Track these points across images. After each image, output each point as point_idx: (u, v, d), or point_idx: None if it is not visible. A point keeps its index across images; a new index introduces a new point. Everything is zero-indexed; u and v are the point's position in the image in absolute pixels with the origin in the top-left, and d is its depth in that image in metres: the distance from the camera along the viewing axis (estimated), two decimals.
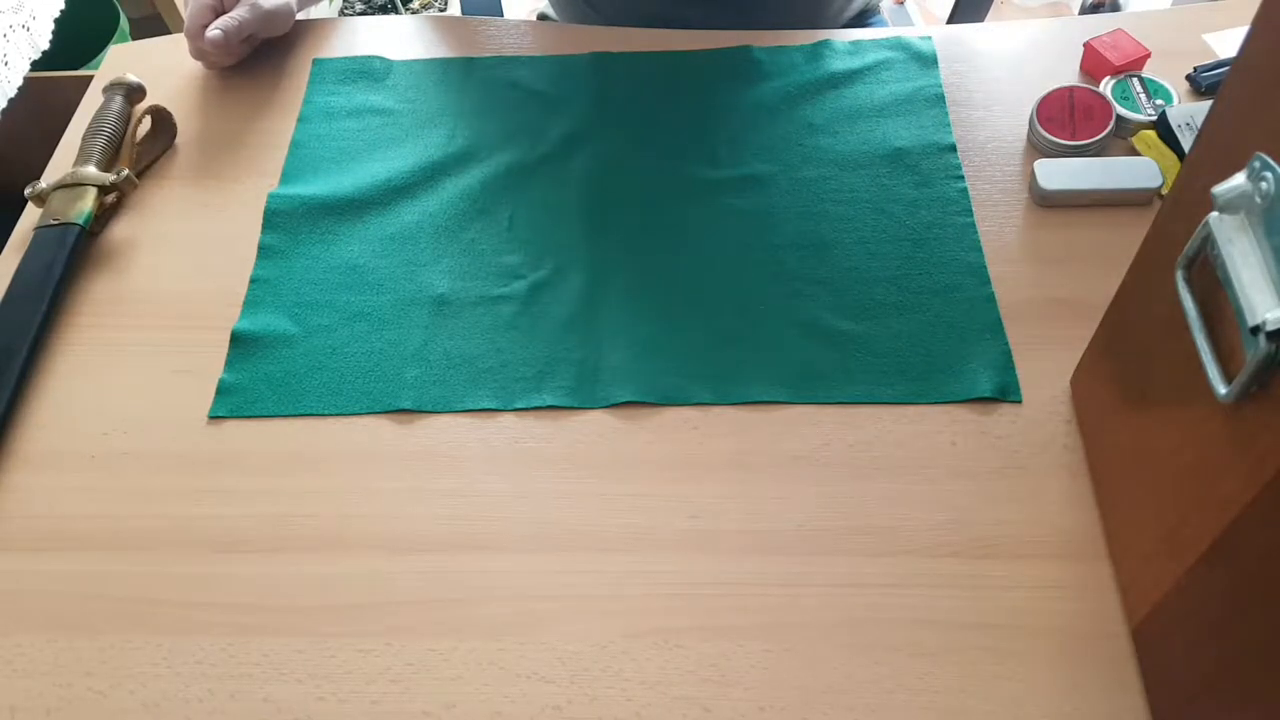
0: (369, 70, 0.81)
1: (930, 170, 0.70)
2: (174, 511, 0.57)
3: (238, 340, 0.65)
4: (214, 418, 0.61)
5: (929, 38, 0.79)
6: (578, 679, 0.51)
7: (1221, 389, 0.39)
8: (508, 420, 0.60)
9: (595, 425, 0.60)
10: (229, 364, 0.64)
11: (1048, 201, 0.67)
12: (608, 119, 0.77)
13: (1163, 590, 0.46)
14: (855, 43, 0.79)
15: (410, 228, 0.71)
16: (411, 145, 0.76)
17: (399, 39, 0.84)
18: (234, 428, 0.61)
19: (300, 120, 0.78)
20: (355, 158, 0.75)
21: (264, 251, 0.69)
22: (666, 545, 0.55)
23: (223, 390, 0.63)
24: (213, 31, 0.75)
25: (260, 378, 0.63)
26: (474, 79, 0.80)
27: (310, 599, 0.54)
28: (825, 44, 0.79)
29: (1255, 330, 0.36)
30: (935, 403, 0.60)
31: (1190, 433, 0.43)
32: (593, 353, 0.63)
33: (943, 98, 0.75)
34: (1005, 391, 0.59)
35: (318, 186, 0.73)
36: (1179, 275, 0.43)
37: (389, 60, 0.82)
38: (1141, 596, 0.49)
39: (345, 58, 0.82)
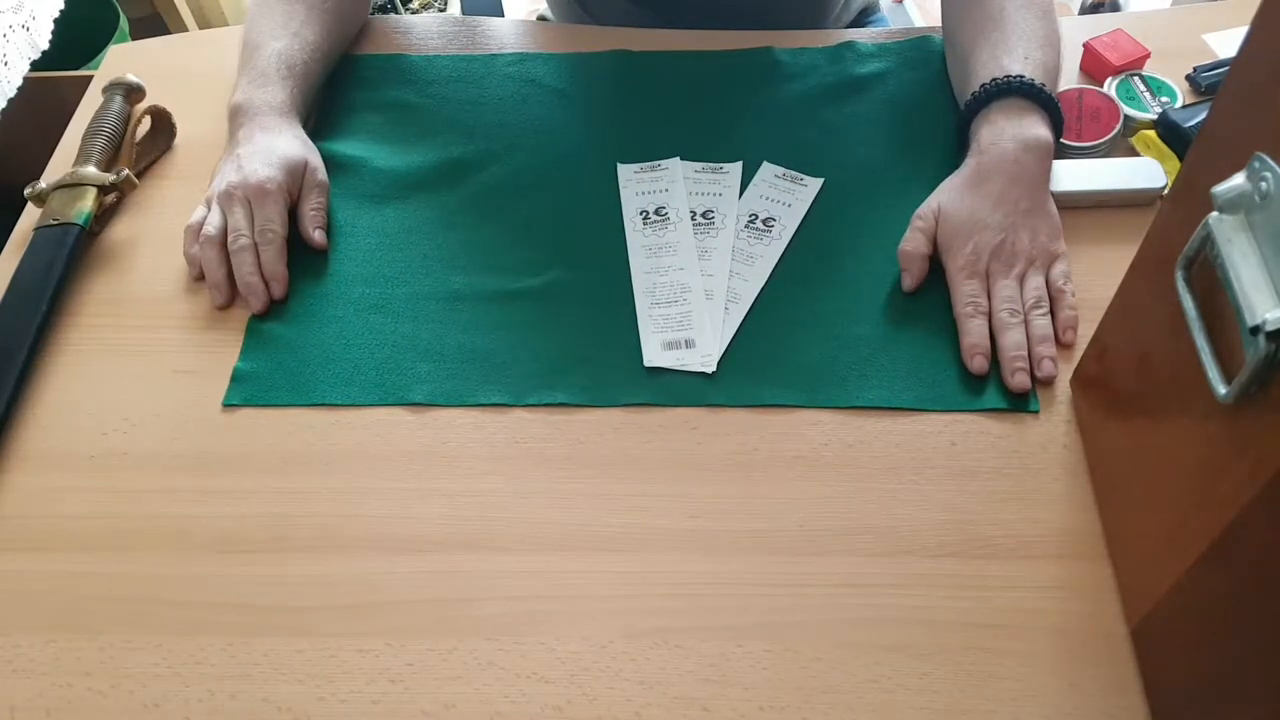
0: (389, 65, 0.81)
1: (950, 173, 0.70)
2: (174, 511, 0.57)
3: (253, 330, 0.65)
4: (228, 405, 0.62)
5: None
6: (578, 679, 0.51)
7: (1221, 389, 0.39)
8: (509, 420, 0.60)
9: (596, 425, 0.60)
10: (244, 353, 0.64)
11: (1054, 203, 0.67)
12: (627, 118, 0.76)
13: (1163, 590, 0.46)
14: (879, 44, 0.79)
15: (428, 223, 0.70)
16: (430, 141, 0.75)
17: (399, 39, 0.84)
18: (234, 428, 0.61)
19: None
20: (373, 152, 0.75)
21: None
22: (666, 545, 0.55)
23: (237, 378, 0.63)
24: (320, 235, 0.68)
25: (274, 366, 0.63)
26: (494, 75, 0.80)
27: (310, 599, 0.54)
28: (848, 45, 0.79)
29: (1255, 330, 0.36)
30: (949, 410, 0.59)
31: (1190, 433, 0.43)
32: (606, 352, 0.63)
33: None
34: (1023, 401, 0.59)
35: (334, 180, 0.72)
36: (1179, 275, 0.43)
37: (409, 55, 0.82)
38: (1141, 596, 0.49)
39: (356, 55, 0.82)
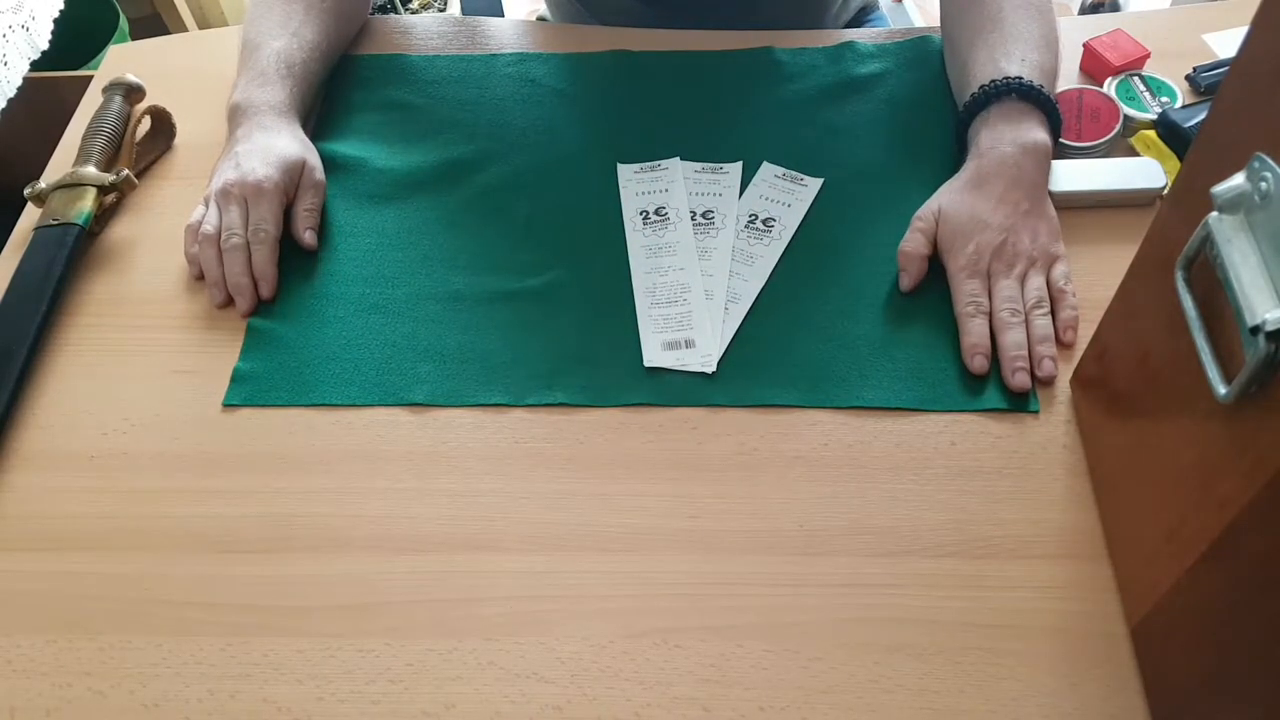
0: (389, 65, 0.81)
1: (950, 174, 0.69)
2: (174, 511, 0.57)
3: (253, 330, 0.65)
4: (228, 405, 0.62)
5: None
6: (578, 679, 0.51)
7: (1221, 389, 0.39)
8: (509, 420, 0.60)
9: (596, 425, 0.60)
10: (244, 353, 0.64)
11: (1053, 203, 0.67)
12: (627, 118, 0.76)
13: (1162, 590, 0.46)
14: (879, 44, 0.79)
15: (428, 223, 0.70)
16: (430, 141, 0.75)
17: (399, 39, 0.84)
18: (234, 428, 0.61)
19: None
20: (373, 152, 0.75)
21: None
22: (666, 545, 0.55)
23: (237, 378, 0.63)
24: (311, 235, 0.68)
25: (275, 367, 0.63)
26: (494, 75, 0.80)
27: (310, 599, 0.54)
28: (848, 45, 0.79)
29: (1255, 330, 0.36)
30: (949, 410, 0.59)
31: (1190, 433, 0.43)
32: (606, 352, 0.63)
33: None
34: (1023, 400, 0.59)
35: (334, 180, 0.72)
36: (1179, 275, 0.43)
37: (409, 55, 0.81)
38: (1141, 596, 0.49)
39: (356, 55, 0.82)
